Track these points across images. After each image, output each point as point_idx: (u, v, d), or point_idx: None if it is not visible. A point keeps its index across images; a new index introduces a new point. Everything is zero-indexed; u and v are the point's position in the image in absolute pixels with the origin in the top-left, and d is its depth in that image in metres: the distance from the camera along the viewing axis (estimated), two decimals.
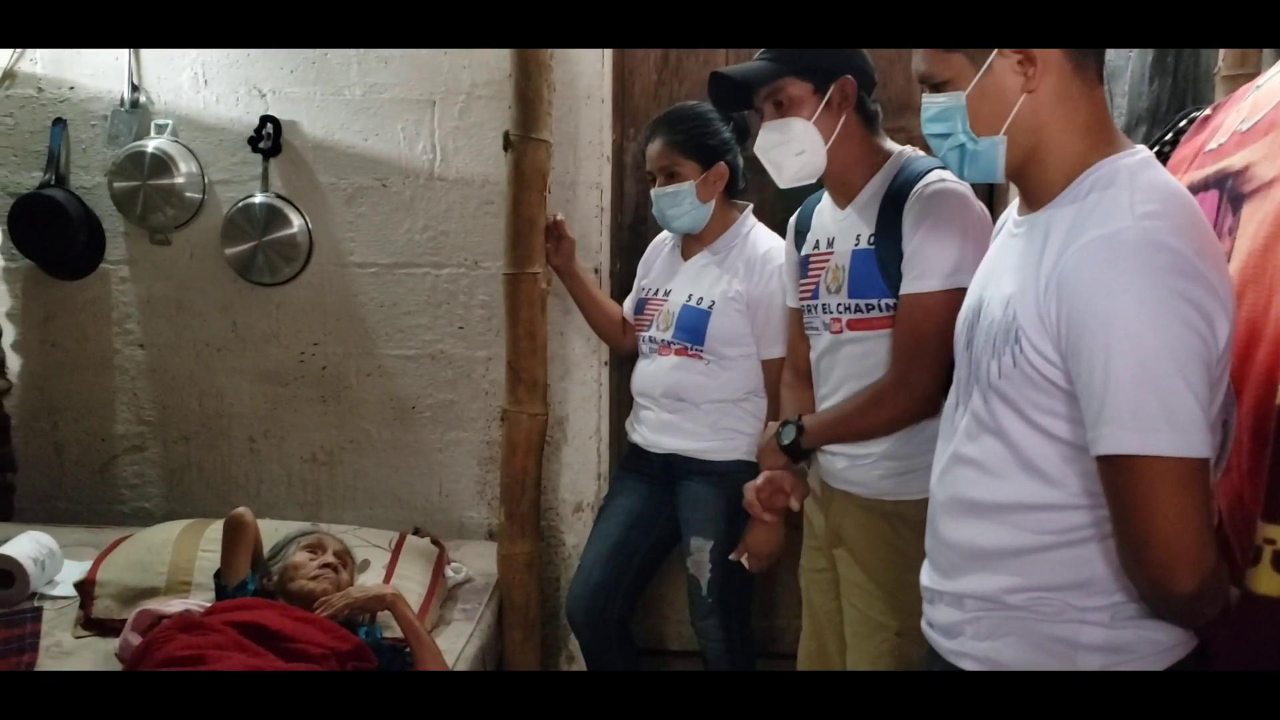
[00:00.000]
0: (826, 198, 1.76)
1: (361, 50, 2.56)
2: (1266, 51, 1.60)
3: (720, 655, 2.18)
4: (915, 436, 1.60)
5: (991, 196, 2.30)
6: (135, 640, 1.89)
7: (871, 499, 1.66)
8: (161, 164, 2.56)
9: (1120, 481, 0.98)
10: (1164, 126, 1.55)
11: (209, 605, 1.93)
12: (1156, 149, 1.42)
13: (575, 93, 2.51)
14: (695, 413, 2.11)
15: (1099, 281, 0.98)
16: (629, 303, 2.34)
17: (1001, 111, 1.11)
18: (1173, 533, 0.96)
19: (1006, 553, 1.12)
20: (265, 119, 2.57)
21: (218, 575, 2.06)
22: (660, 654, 2.76)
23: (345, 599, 1.94)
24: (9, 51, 2.63)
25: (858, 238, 1.65)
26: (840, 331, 1.68)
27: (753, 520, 1.88)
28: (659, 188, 2.09)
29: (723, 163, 2.08)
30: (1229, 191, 1.18)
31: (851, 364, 1.67)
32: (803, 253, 1.78)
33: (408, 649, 1.94)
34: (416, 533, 2.46)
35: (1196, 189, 1.24)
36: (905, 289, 1.56)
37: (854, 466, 1.67)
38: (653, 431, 2.19)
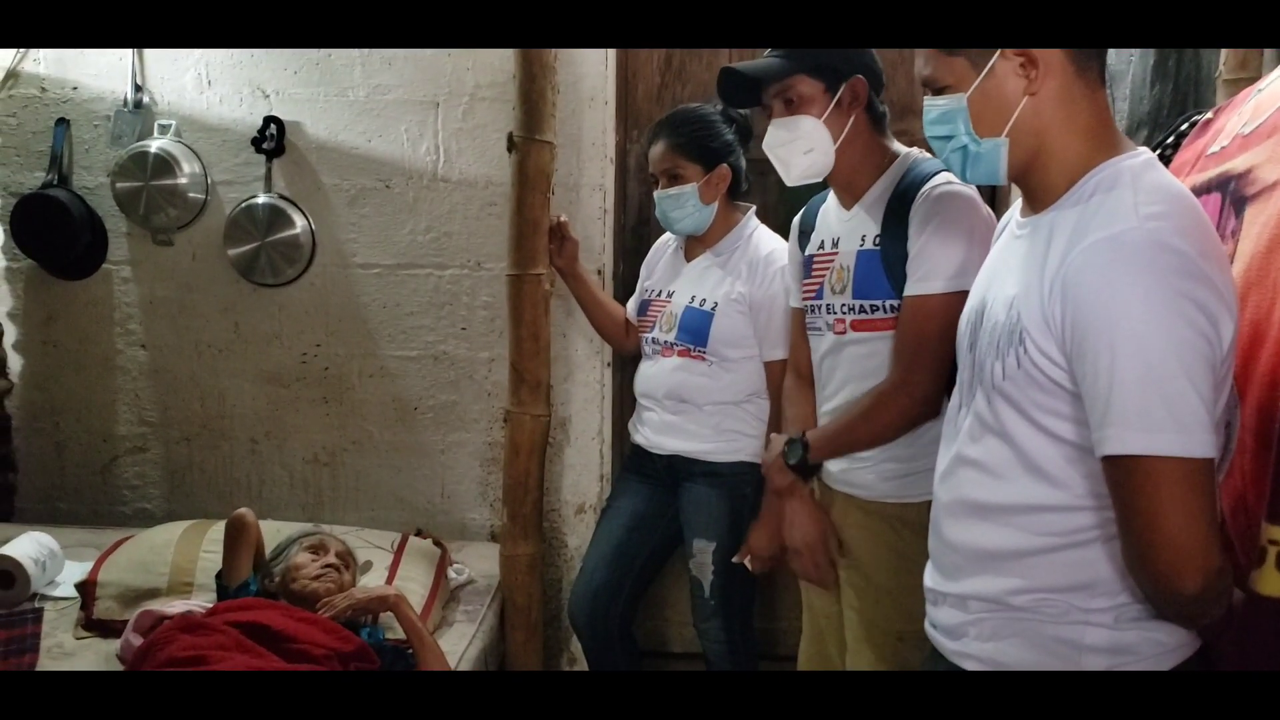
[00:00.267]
0: (832, 198, 1.75)
1: (365, 51, 2.56)
2: (1267, 55, 1.59)
3: (722, 657, 2.17)
4: (917, 439, 1.59)
5: (994, 198, 2.31)
6: (137, 641, 1.89)
7: (873, 502, 1.65)
8: (164, 164, 2.57)
9: (1125, 482, 0.98)
10: (1165, 130, 1.55)
11: (211, 606, 1.93)
12: (1158, 152, 1.41)
13: (579, 95, 2.51)
14: (698, 414, 2.11)
15: (1104, 283, 0.98)
16: (632, 304, 2.34)
17: (1004, 113, 1.11)
18: (1178, 533, 0.95)
19: (1010, 554, 1.12)
20: (268, 120, 2.57)
21: (219, 576, 2.06)
22: (662, 656, 2.76)
23: (348, 600, 1.94)
24: (12, 51, 2.63)
25: (863, 238, 1.64)
26: (844, 332, 1.67)
27: (755, 522, 1.87)
28: (662, 190, 2.09)
29: (725, 165, 2.08)
30: (1231, 194, 1.18)
31: (854, 365, 1.66)
32: (807, 253, 1.78)
33: (410, 650, 1.94)
34: (419, 534, 2.46)
35: (1199, 192, 1.24)
36: (909, 290, 1.55)
37: (855, 469, 1.66)
38: (655, 433, 2.19)
